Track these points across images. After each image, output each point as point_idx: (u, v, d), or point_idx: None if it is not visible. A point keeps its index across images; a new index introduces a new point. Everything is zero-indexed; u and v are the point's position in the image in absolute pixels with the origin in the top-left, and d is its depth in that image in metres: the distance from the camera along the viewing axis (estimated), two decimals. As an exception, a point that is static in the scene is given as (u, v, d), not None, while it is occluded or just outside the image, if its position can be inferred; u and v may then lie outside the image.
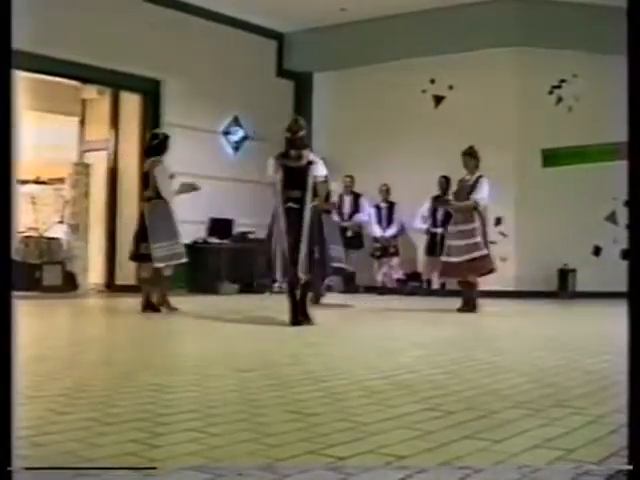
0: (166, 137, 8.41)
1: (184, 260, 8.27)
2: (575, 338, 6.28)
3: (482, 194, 8.62)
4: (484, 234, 8.61)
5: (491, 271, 8.78)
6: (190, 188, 8.48)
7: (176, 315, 7.85)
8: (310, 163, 6.92)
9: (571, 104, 12.71)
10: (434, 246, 11.86)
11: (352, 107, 14.00)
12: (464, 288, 8.81)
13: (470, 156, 8.79)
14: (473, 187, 8.66)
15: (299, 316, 6.74)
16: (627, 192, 2.00)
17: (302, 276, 6.70)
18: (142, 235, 8.06)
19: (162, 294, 8.21)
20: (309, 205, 6.78)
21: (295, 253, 6.68)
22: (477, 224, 8.56)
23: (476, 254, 8.48)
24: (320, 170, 6.98)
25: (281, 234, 6.73)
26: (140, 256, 8.12)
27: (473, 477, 1.99)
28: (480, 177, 8.74)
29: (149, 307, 8.10)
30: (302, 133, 7.04)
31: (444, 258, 8.76)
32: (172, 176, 8.25)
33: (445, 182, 12.03)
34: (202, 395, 3.10)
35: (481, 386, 3.44)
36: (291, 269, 6.68)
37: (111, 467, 2.03)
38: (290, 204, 6.76)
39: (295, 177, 6.81)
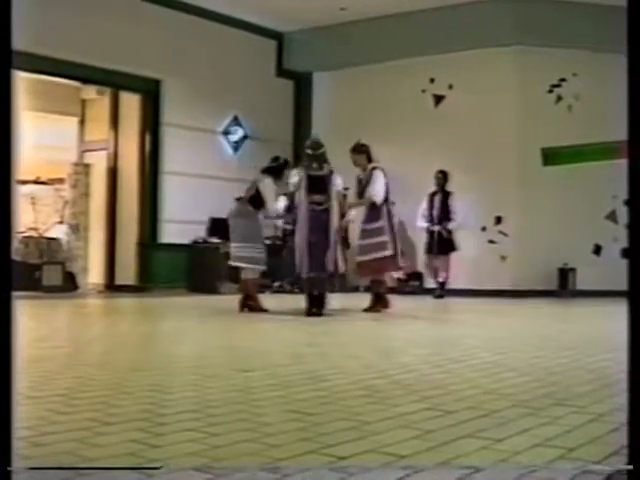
0: (286, 162, 8.48)
1: (263, 267, 8.24)
2: (575, 337, 6.28)
3: (375, 189, 8.15)
4: (392, 232, 8.18)
5: (397, 270, 8.50)
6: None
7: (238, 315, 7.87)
8: (331, 173, 7.79)
9: (571, 103, 12.71)
10: (431, 244, 11.85)
11: (352, 107, 14.00)
12: (373, 286, 8.46)
13: (356, 152, 8.30)
14: (367, 182, 8.19)
15: (314, 309, 7.54)
16: (627, 191, 2.00)
17: (330, 270, 7.55)
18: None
19: (250, 296, 8.19)
20: (334, 208, 7.65)
21: (323, 251, 7.50)
22: (383, 222, 8.16)
23: (381, 254, 8.09)
24: (339, 180, 7.83)
25: (304, 235, 7.52)
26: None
27: (474, 476, 1.99)
28: (373, 169, 8.26)
29: (248, 308, 8.12)
30: (322, 150, 7.83)
31: (357, 257, 8.36)
32: (281, 195, 8.26)
33: (442, 177, 12.03)
34: (202, 395, 3.10)
35: (481, 385, 3.44)
36: (317, 267, 7.48)
37: (111, 467, 2.03)
38: (313, 206, 7.57)
39: (317, 184, 7.65)
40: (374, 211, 8.21)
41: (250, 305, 8.16)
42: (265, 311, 8.06)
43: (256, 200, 8.16)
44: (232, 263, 8.21)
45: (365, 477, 1.99)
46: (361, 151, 8.34)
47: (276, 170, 8.30)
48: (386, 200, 8.36)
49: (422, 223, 11.97)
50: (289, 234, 8.00)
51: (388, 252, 8.11)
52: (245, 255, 8.05)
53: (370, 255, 8.16)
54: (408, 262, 8.63)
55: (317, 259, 7.48)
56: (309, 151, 7.85)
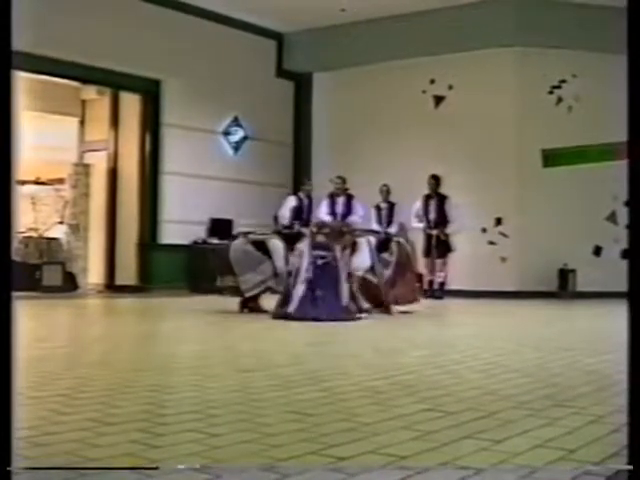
0: (299, 233, 8.58)
1: (271, 284, 8.25)
2: (575, 338, 6.28)
3: (360, 262, 8.24)
4: (395, 268, 8.32)
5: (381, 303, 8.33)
6: None
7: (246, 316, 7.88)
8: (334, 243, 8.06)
9: (571, 104, 12.72)
10: (429, 247, 11.85)
11: (352, 107, 14.01)
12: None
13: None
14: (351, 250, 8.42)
15: None
16: (627, 192, 2.00)
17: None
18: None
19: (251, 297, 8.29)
20: (339, 258, 7.75)
21: (329, 299, 7.45)
22: (392, 258, 8.35)
23: (372, 279, 8.23)
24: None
25: (307, 279, 7.50)
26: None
27: (474, 477, 1.99)
28: (356, 238, 8.44)
29: (249, 308, 8.21)
30: (327, 231, 8.20)
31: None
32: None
33: (435, 182, 12.03)
34: (203, 395, 3.10)
35: (482, 386, 3.44)
36: (325, 310, 7.36)
37: (112, 467, 2.03)
38: (317, 259, 7.62)
39: (321, 244, 7.84)
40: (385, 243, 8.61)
41: (250, 306, 8.17)
42: (265, 312, 8.06)
43: (261, 247, 8.18)
44: (249, 294, 8.16)
45: (365, 478, 1.99)
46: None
47: (289, 237, 8.38)
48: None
49: (416, 224, 11.98)
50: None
51: (374, 280, 8.19)
52: (258, 280, 8.07)
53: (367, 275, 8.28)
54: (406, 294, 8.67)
55: (324, 308, 7.38)
56: (314, 229, 8.22)
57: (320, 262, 7.64)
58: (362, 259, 8.24)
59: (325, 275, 7.57)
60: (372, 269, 8.17)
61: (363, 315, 7.62)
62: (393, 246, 8.55)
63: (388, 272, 8.28)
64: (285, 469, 2.02)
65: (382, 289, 8.18)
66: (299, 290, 7.45)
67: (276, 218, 11.08)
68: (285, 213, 9.47)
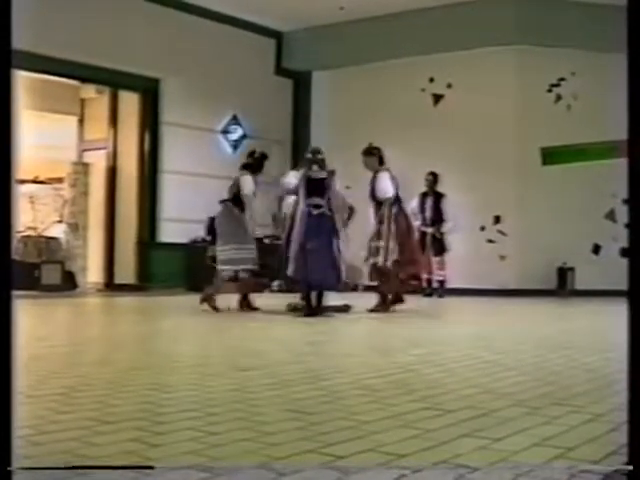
0: (262, 155, 8.45)
1: (254, 267, 8.16)
2: (574, 336, 6.29)
3: (380, 189, 8.10)
4: (388, 236, 8.07)
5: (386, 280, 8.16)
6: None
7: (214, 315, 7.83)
8: (332, 173, 7.83)
9: (570, 102, 12.72)
10: (423, 245, 11.83)
11: (351, 106, 14.00)
12: (380, 285, 8.36)
13: (367, 155, 8.35)
14: (373, 186, 8.21)
15: (313, 308, 7.52)
16: (626, 190, 2.00)
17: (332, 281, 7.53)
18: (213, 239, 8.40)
19: (210, 293, 8.18)
20: (337, 213, 7.64)
21: (322, 259, 7.40)
22: (382, 226, 8.09)
23: (374, 260, 8.08)
24: (337, 186, 7.89)
25: (300, 240, 7.43)
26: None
27: (472, 475, 1.99)
28: (377, 172, 8.26)
29: (244, 306, 8.22)
30: (322, 156, 7.88)
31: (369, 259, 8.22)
32: (255, 194, 8.23)
33: (433, 179, 12.02)
34: (201, 394, 3.10)
35: (480, 384, 3.44)
36: (315, 273, 7.37)
37: (110, 466, 2.03)
38: (311, 209, 7.54)
39: (316, 186, 7.65)
40: (378, 213, 8.20)
41: (242, 304, 8.20)
42: (256, 309, 8.10)
43: (239, 200, 8.15)
44: (222, 267, 8.12)
45: (363, 476, 1.99)
46: (371, 154, 8.39)
47: (252, 165, 8.32)
48: (394, 201, 8.30)
49: (413, 221, 11.94)
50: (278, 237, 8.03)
51: (379, 259, 8.07)
52: (235, 257, 8.05)
53: (369, 259, 8.18)
54: (413, 269, 8.47)
55: (315, 266, 7.38)
56: (309, 155, 7.95)
57: (315, 212, 7.55)
58: (385, 185, 8.13)
59: (320, 226, 7.50)
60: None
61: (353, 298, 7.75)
62: (385, 210, 8.16)
63: (391, 244, 8.03)
64: (283, 467, 2.02)
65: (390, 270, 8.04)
66: (295, 246, 7.43)
67: (274, 217, 11.07)
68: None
